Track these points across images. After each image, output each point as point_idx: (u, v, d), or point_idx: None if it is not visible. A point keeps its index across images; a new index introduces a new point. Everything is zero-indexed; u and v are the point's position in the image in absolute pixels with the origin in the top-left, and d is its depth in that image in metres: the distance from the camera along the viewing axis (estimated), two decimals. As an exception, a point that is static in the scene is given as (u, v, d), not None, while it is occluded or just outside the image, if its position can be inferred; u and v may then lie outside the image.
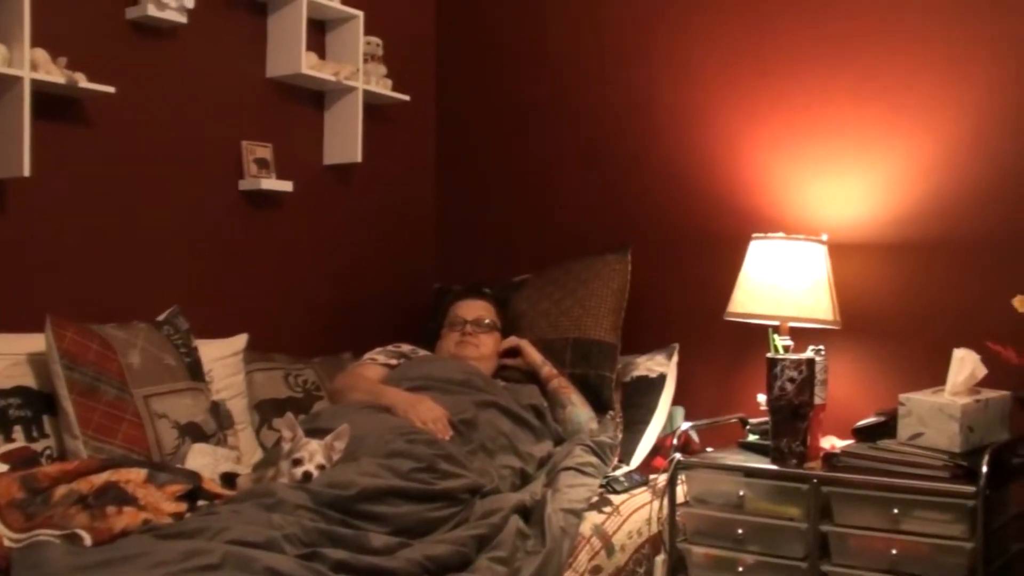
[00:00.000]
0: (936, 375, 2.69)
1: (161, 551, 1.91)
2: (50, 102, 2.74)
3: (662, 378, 3.28)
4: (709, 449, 3.05)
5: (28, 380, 2.58)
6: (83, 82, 2.71)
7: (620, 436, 3.16)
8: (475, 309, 3.31)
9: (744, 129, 3.40)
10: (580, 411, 3.14)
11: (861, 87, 3.20)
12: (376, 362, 3.17)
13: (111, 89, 2.79)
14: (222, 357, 3.05)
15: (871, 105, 3.18)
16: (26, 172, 2.58)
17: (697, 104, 3.48)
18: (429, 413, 2.77)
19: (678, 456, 2.81)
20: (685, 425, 3.02)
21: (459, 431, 2.77)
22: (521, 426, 2.95)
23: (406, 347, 3.27)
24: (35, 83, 2.60)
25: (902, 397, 2.62)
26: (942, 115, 3.08)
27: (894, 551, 2.50)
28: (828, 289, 3.02)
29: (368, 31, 3.55)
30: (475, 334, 3.24)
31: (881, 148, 3.16)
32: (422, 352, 3.29)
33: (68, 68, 2.70)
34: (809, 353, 2.78)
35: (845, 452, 2.66)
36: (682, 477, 2.84)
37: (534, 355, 3.25)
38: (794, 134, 3.31)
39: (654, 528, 2.85)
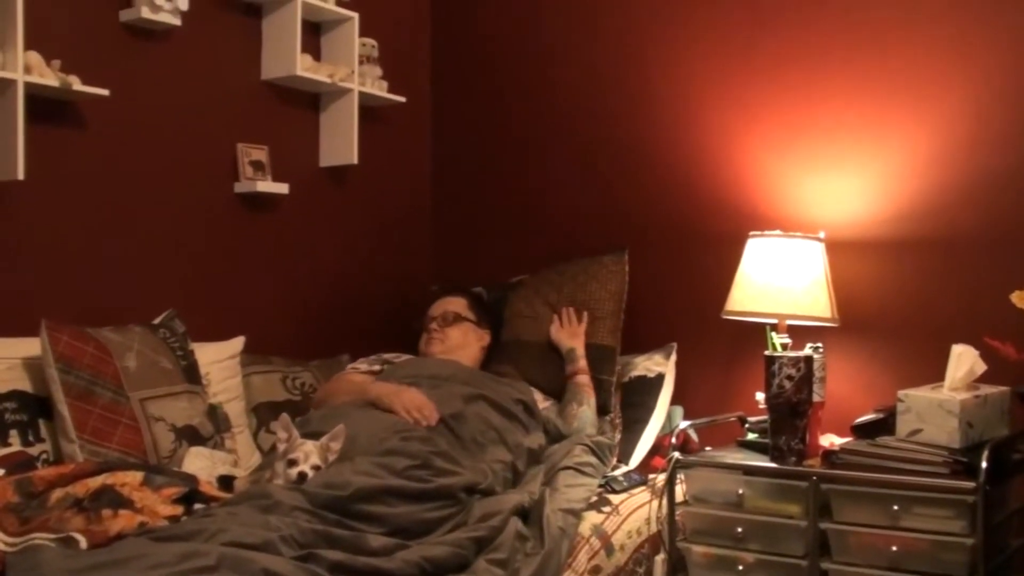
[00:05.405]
0: (935, 372, 2.68)
1: (157, 553, 1.90)
2: (44, 105, 2.73)
3: (660, 377, 3.27)
4: (708, 448, 3.04)
5: (24, 384, 2.57)
6: (77, 85, 2.71)
7: (618, 437, 3.16)
8: (442, 305, 3.33)
9: (740, 127, 3.39)
10: (590, 414, 3.14)
11: (856, 83, 3.19)
12: (358, 370, 3.16)
13: (105, 92, 2.78)
14: (219, 360, 3.03)
15: (867, 102, 3.17)
16: (20, 176, 2.58)
17: (692, 102, 3.48)
18: (413, 401, 2.77)
19: (677, 455, 2.80)
20: (684, 424, 3.02)
21: (450, 427, 2.75)
22: (510, 419, 2.94)
23: (388, 355, 3.27)
24: (29, 86, 2.59)
25: (901, 393, 2.61)
26: (938, 110, 3.08)
27: (894, 548, 2.49)
28: (826, 287, 3.02)
29: (363, 32, 3.53)
30: (440, 329, 3.26)
31: (877, 144, 3.16)
32: (405, 357, 3.28)
33: (62, 71, 2.69)
34: (807, 351, 2.77)
35: (844, 449, 2.65)
36: (681, 476, 2.83)
37: (580, 349, 3.25)
38: (790, 132, 3.30)
39: (653, 527, 2.84)
